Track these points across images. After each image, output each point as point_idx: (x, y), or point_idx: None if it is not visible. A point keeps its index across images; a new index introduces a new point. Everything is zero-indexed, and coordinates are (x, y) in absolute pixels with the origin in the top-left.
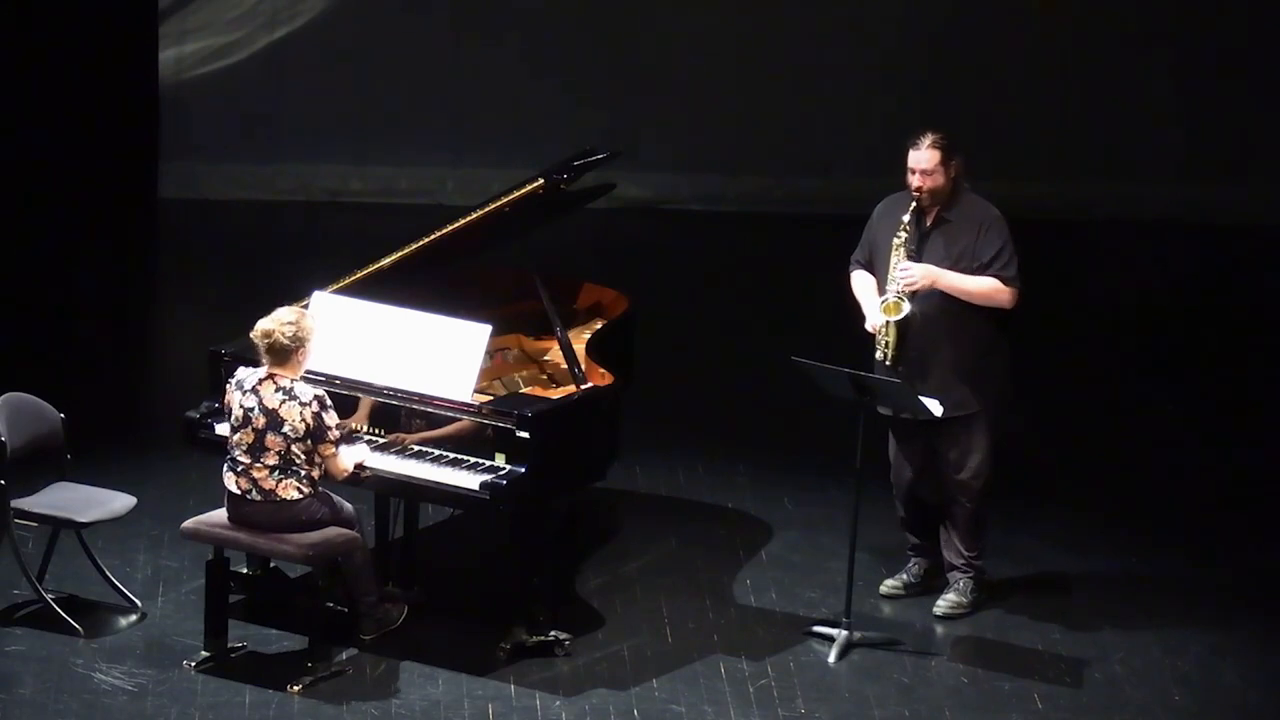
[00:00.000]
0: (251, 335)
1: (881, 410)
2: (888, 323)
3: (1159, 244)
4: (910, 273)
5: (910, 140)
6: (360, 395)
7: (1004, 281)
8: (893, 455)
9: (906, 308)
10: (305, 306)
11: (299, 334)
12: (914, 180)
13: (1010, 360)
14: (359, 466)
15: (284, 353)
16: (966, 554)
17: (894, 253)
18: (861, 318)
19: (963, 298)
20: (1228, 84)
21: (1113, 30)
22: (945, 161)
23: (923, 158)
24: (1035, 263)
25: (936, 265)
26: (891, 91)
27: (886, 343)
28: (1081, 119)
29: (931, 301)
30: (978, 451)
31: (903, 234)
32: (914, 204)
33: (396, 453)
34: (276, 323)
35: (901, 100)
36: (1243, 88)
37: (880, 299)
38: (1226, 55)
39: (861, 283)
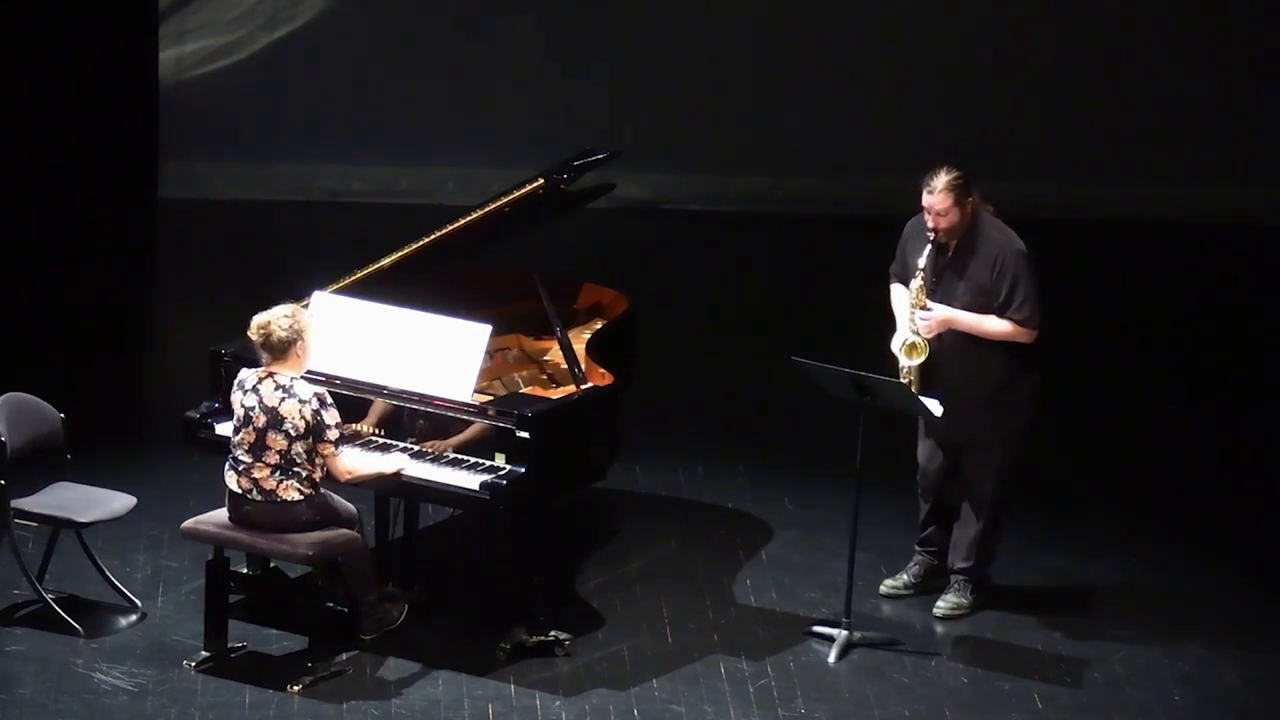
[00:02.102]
0: (249, 332)
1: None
2: (909, 366)
3: (1160, 245)
4: (928, 321)
5: (924, 181)
6: (360, 395)
7: (1018, 324)
8: (921, 456)
9: (927, 352)
10: (305, 306)
11: (295, 325)
12: (929, 220)
13: (1040, 388)
14: (397, 474)
15: (282, 346)
16: (972, 560)
17: (913, 295)
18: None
19: (981, 336)
20: (1231, 83)
21: (1114, 29)
22: (959, 202)
23: (936, 201)
24: (1035, 263)
25: (955, 297)
26: (892, 91)
27: (910, 381)
28: (1082, 119)
29: (953, 332)
30: (993, 470)
31: (919, 276)
32: (929, 245)
33: (398, 453)
34: (273, 316)
35: (902, 100)
36: (1246, 87)
37: (901, 339)
38: (1230, 54)
39: (896, 298)
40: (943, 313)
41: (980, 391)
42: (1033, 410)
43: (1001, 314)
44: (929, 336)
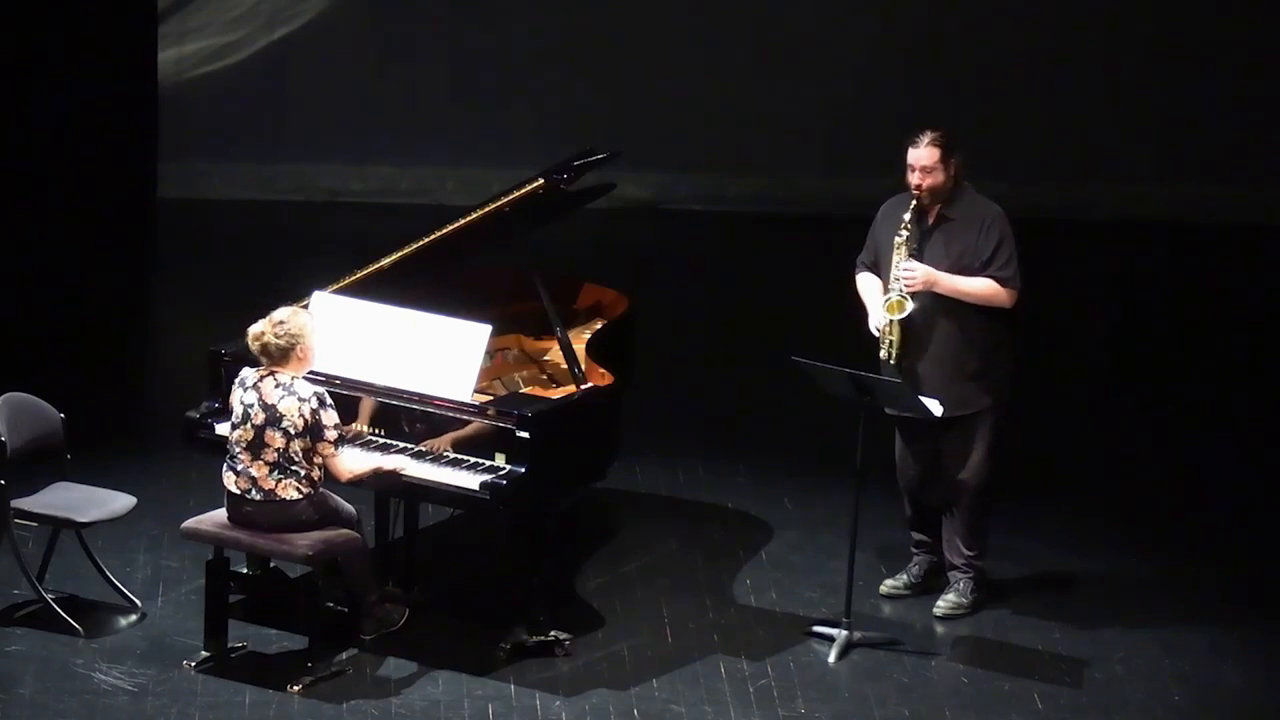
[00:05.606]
0: (247, 341)
1: (888, 411)
2: (891, 321)
3: (1160, 244)
4: (912, 272)
5: (910, 138)
6: (360, 395)
7: (1000, 283)
8: (899, 454)
9: (910, 306)
10: (305, 306)
11: (292, 331)
12: (913, 178)
13: (1016, 362)
14: (397, 473)
15: (280, 353)
16: (967, 553)
17: (895, 251)
18: (866, 318)
19: (962, 299)
20: (1231, 84)
21: (1113, 30)
22: (945, 159)
23: (922, 155)
24: (1035, 263)
25: (938, 264)
26: (892, 91)
27: (891, 341)
28: (1082, 119)
29: (935, 301)
30: (978, 450)
31: (904, 232)
32: (914, 202)
33: (398, 454)
34: (268, 324)
35: (901, 100)
36: (1247, 87)
37: (883, 297)
38: (1230, 54)
39: (866, 284)
40: (926, 269)
41: (960, 361)
42: (1008, 387)
43: (983, 272)
44: (910, 293)
